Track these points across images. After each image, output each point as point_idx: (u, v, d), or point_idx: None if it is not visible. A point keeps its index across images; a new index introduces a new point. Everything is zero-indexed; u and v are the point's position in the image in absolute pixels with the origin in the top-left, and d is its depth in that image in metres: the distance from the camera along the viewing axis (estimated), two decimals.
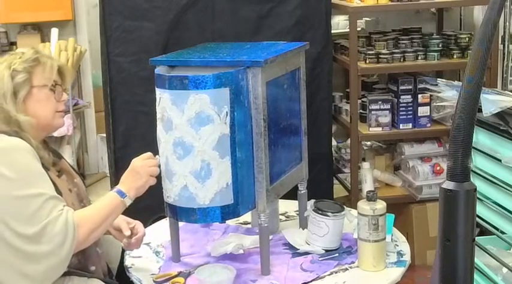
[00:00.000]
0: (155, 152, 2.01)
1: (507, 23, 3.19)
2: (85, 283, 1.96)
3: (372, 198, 2.04)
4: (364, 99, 3.32)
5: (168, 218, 2.12)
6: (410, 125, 3.22)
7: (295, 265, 2.11)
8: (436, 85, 3.00)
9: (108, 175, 3.26)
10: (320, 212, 2.17)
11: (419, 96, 3.19)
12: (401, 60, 3.21)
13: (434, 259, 1.14)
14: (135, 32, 2.94)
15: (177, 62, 2.06)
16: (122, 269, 2.20)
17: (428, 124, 3.24)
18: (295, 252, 2.19)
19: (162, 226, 2.42)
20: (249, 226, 2.44)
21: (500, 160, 2.39)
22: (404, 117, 3.21)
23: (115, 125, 3.01)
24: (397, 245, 2.23)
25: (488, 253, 2.29)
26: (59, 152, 2.26)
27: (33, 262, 1.76)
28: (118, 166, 2.99)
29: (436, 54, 3.24)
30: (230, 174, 1.94)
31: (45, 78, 1.96)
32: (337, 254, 2.17)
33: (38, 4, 4.38)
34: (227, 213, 1.97)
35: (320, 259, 2.14)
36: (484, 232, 2.52)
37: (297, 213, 2.42)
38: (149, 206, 2.38)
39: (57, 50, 4.05)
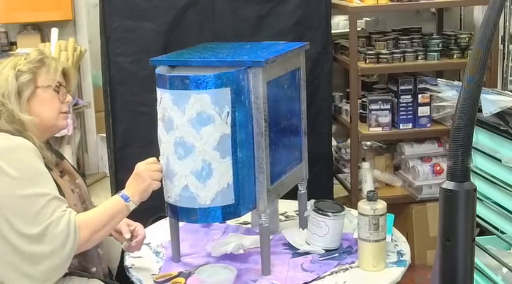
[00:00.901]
0: (155, 152, 2.01)
1: (507, 23, 3.19)
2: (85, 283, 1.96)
3: (372, 197, 2.04)
4: (364, 99, 3.32)
5: (168, 218, 2.12)
6: (410, 125, 3.23)
7: (295, 265, 2.11)
8: (436, 85, 3.00)
9: (108, 175, 3.26)
10: (320, 212, 2.17)
11: (419, 96, 3.19)
12: (401, 60, 3.21)
13: (434, 259, 1.14)
14: (135, 32, 2.94)
15: (178, 61, 2.06)
16: (122, 269, 2.20)
17: (428, 124, 3.24)
18: (296, 252, 2.19)
19: (162, 226, 2.42)
20: (249, 226, 2.44)
21: (500, 160, 2.39)
22: (404, 117, 3.22)
23: (115, 125, 3.01)
24: (397, 245, 2.23)
25: (488, 253, 2.29)
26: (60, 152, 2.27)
27: (34, 262, 1.76)
28: (118, 166, 2.99)
29: (436, 54, 3.25)
30: (231, 174, 1.94)
31: (49, 79, 1.98)
32: (337, 254, 2.17)
33: (38, 4, 4.38)
34: (228, 213, 1.97)
35: (320, 259, 2.14)
36: (484, 232, 2.52)
37: (297, 213, 2.42)
38: (149, 206, 2.37)
39: (57, 50, 4.05)
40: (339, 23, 4.20)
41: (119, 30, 2.93)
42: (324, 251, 2.17)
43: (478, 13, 3.84)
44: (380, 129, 3.23)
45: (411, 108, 3.21)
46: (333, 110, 3.39)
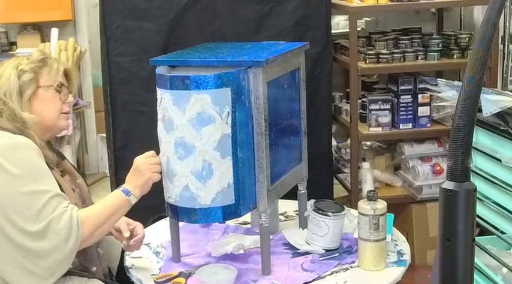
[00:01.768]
0: (155, 152, 2.01)
1: (507, 23, 3.19)
2: (85, 283, 1.97)
3: (372, 197, 2.05)
4: (364, 99, 3.32)
5: (168, 218, 2.12)
6: (410, 125, 3.23)
7: (295, 265, 2.12)
8: (436, 85, 3.00)
9: (108, 175, 3.26)
10: (320, 212, 2.17)
11: (419, 96, 3.19)
12: (401, 60, 3.21)
13: (435, 259, 1.14)
14: (135, 32, 2.94)
15: (178, 62, 2.06)
16: (121, 269, 2.20)
17: (428, 124, 3.24)
18: (296, 252, 2.19)
19: (162, 226, 2.42)
20: (249, 226, 2.44)
21: (500, 160, 2.39)
22: (404, 117, 3.22)
23: (115, 125, 3.01)
24: (397, 245, 2.23)
25: (488, 253, 2.29)
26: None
27: (37, 258, 1.77)
28: (118, 166, 2.99)
29: (436, 54, 3.24)
30: (231, 174, 1.94)
31: (51, 78, 1.99)
32: (337, 254, 2.17)
33: (38, 4, 4.38)
34: (228, 213, 1.97)
35: (320, 258, 2.15)
36: (484, 232, 2.52)
37: (296, 213, 2.42)
38: (149, 206, 2.38)
39: (57, 50, 4.05)
40: (339, 23, 4.20)
41: (118, 30, 2.93)
42: (324, 251, 2.17)
43: (478, 13, 3.84)
44: (380, 129, 3.23)
45: (411, 108, 3.21)
46: (333, 110, 3.39)
